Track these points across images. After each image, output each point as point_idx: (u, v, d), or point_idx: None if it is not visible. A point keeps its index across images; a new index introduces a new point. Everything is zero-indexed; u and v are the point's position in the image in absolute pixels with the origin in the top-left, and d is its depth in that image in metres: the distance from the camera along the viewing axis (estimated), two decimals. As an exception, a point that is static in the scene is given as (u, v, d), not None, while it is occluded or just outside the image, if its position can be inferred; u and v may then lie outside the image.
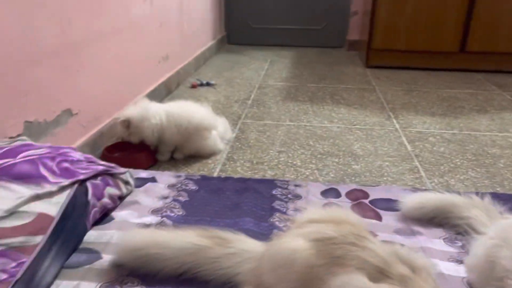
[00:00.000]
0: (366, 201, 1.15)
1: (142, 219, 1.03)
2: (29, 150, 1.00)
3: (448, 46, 3.03)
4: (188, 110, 1.63)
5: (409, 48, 3.08)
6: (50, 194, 0.90)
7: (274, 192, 1.18)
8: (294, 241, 0.73)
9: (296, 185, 1.22)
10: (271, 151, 1.76)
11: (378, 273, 0.66)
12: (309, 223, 0.78)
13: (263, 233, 0.99)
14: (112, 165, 1.12)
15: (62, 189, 0.93)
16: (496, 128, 2.04)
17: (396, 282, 0.65)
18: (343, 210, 0.81)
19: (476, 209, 1.00)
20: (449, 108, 2.33)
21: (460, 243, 0.97)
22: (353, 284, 0.63)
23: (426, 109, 2.30)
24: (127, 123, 1.53)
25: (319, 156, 1.72)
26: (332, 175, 1.56)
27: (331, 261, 0.69)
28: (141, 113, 1.55)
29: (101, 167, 1.07)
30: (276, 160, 1.68)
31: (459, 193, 1.07)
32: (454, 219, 1.02)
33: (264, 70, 3.11)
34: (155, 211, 1.07)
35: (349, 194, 1.18)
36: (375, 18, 3.04)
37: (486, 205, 1.01)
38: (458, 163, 1.67)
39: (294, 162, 1.66)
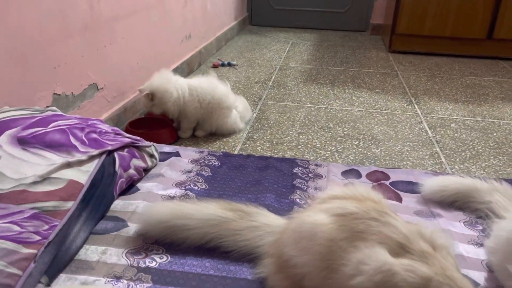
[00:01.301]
0: (387, 182, 1.15)
1: (166, 191, 1.06)
2: (59, 120, 1.03)
3: (475, 33, 2.97)
4: (211, 85, 1.65)
5: (434, 34, 3.02)
6: (80, 163, 0.93)
7: (295, 170, 1.19)
8: (316, 215, 0.74)
9: (317, 165, 1.23)
10: (291, 132, 1.77)
11: (399, 248, 0.67)
12: (331, 199, 0.79)
13: (284, 209, 1.01)
14: (138, 138, 1.15)
15: (91, 158, 0.96)
16: (520, 117, 2.01)
17: (417, 258, 0.66)
18: (365, 188, 0.82)
19: (497, 194, 0.99)
20: (473, 95, 2.29)
21: (480, 227, 0.98)
22: (374, 257, 0.65)
23: (449, 96, 2.27)
24: (151, 96, 1.56)
25: (339, 138, 1.72)
26: (351, 158, 1.57)
27: (353, 236, 0.70)
28: (164, 85, 1.58)
29: (127, 140, 1.10)
30: (296, 141, 1.69)
31: (480, 178, 1.06)
32: (475, 203, 1.02)
33: (285, 52, 3.10)
34: (179, 184, 1.10)
35: (369, 175, 1.19)
36: (400, 2, 2.99)
37: (508, 190, 1.01)
38: (480, 150, 1.66)
39: (314, 144, 1.67)
